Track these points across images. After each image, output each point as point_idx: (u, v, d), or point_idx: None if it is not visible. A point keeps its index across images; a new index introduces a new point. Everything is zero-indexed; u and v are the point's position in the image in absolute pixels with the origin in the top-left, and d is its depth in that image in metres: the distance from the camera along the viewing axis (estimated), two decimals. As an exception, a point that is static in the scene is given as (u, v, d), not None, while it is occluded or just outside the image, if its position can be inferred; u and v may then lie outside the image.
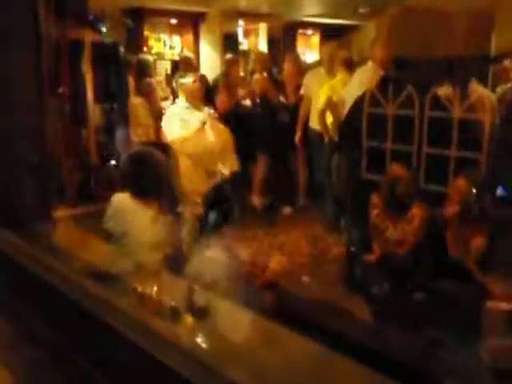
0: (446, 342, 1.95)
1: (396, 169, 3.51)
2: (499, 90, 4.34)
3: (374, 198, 3.57)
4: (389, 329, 2.16)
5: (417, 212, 3.37)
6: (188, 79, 4.77)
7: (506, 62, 4.37)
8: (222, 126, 4.06)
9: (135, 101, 5.54)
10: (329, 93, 5.21)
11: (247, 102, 5.85)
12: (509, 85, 4.50)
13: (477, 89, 3.93)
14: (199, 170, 3.52)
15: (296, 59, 6.27)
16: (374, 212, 3.56)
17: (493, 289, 3.03)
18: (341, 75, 5.34)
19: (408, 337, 2.05)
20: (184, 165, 3.58)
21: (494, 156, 3.66)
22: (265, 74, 5.99)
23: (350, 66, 5.33)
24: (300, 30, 8.78)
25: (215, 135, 4.15)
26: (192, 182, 3.32)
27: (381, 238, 3.53)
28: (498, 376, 1.46)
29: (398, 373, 1.31)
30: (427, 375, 1.34)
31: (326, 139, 5.32)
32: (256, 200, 5.88)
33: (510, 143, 3.81)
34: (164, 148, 2.77)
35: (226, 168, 3.72)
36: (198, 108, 4.59)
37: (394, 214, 3.46)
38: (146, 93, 5.58)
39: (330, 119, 5.25)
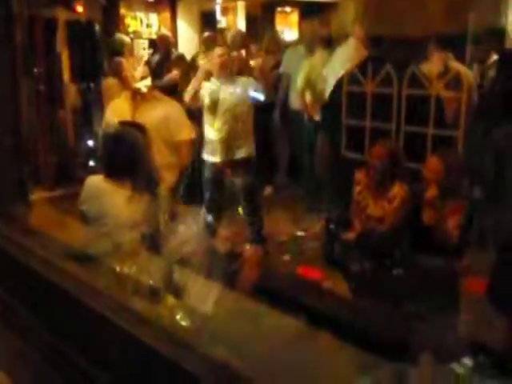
0: (425, 317, 1.99)
1: (380, 149, 3.52)
2: (476, 67, 4.36)
3: (358, 175, 3.59)
4: (368, 304, 2.20)
5: (398, 192, 3.40)
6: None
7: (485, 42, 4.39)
8: (167, 98, 3.84)
9: (109, 81, 5.47)
10: (308, 71, 5.20)
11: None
12: (488, 63, 4.53)
13: (454, 66, 3.96)
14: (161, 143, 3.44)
15: (275, 38, 6.25)
16: (357, 188, 3.59)
17: (470, 267, 3.09)
18: (320, 53, 5.32)
19: (387, 312, 2.09)
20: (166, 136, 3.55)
21: (470, 133, 3.70)
22: (242, 52, 5.96)
23: (329, 44, 5.32)
24: (279, 8, 8.69)
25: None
26: (161, 157, 3.24)
27: (362, 215, 3.57)
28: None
29: (375, 347, 1.33)
30: (406, 349, 1.37)
31: (306, 118, 5.32)
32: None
33: (488, 119, 3.86)
34: (139, 127, 2.74)
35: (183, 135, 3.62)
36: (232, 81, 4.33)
37: (377, 191, 3.50)
38: (117, 72, 5.51)
39: (309, 98, 5.25)
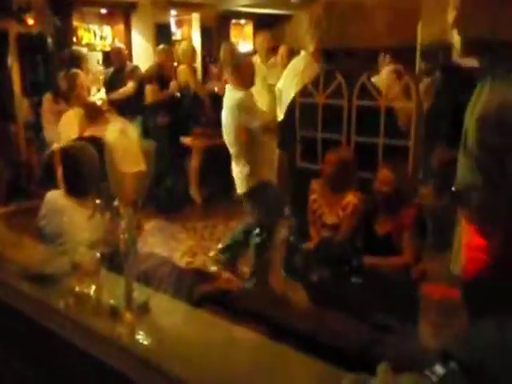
0: (385, 324, 2.04)
1: (333, 156, 3.60)
2: (425, 79, 4.51)
3: (313, 184, 3.67)
4: (329, 314, 2.23)
5: (351, 199, 3.49)
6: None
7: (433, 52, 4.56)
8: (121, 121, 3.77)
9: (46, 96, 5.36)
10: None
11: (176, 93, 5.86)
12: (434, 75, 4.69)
13: (404, 78, 4.08)
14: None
15: (232, 49, 6.31)
16: (312, 197, 3.67)
17: (427, 272, 3.20)
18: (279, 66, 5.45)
19: (348, 321, 2.13)
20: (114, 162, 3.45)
21: (421, 143, 3.82)
22: (190, 65, 6.05)
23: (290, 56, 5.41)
24: (233, 20, 8.78)
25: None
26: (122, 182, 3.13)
27: (317, 223, 3.64)
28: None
29: (338, 358, 1.36)
30: (368, 358, 1.40)
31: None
32: (194, 192, 5.89)
33: (435, 131, 4.00)
34: (97, 142, 2.72)
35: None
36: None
37: (331, 199, 3.57)
38: (72, 85, 5.43)
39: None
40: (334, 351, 1.53)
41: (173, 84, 5.85)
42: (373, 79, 4.01)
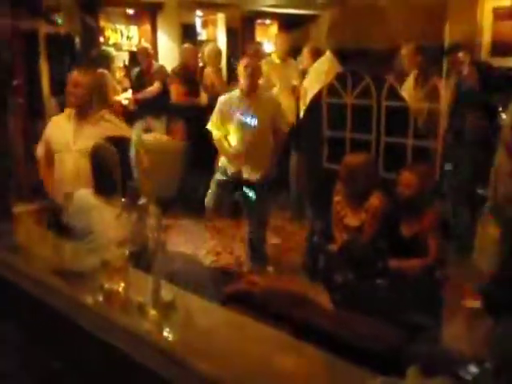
0: (412, 327, 2.02)
1: (351, 158, 3.59)
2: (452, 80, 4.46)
3: (338, 185, 3.66)
4: (354, 316, 2.22)
5: (374, 202, 3.46)
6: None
7: (460, 54, 4.50)
8: (117, 123, 3.48)
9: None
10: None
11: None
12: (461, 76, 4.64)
13: (432, 79, 4.05)
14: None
15: (258, 49, 6.34)
16: (336, 199, 3.65)
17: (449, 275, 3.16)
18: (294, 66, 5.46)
19: (373, 323, 2.12)
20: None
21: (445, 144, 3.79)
22: (216, 68, 6.06)
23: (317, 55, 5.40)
24: (258, 20, 8.78)
25: None
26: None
27: (340, 225, 3.62)
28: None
29: (365, 360, 1.35)
30: (396, 361, 1.39)
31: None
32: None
33: (458, 131, 3.96)
34: (123, 142, 2.74)
35: None
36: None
37: (354, 201, 3.55)
38: (100, 84, 5.50)
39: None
40: (359, 353, 1.53)
41: (203, 96, 5.84)
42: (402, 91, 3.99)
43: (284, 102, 5.10)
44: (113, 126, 3.29)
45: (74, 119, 3.29)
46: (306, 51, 5.58)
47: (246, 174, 4.21)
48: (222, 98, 4.31)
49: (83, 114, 3.28)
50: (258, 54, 6.13)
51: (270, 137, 4.23)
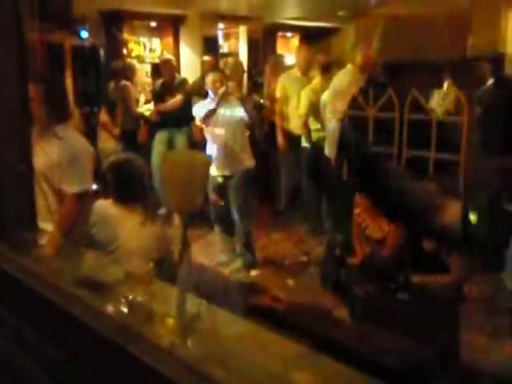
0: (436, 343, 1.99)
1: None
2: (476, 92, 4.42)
3: (357, 198, 3.65)
4: (375, 330, 2.20)
5: (397, 214, 3.43)
6: None
7: (484, 64, 4.47)
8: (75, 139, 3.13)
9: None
10: (311, 97, 5.27)
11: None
12: (485, 87, 4.60)
13: (454, 91, 4.02)
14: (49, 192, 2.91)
15: (279, 62, 6.36)
16: (356, 211, 3.63)
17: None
18: (318, 79, 5.41)
19: (393, 338, 2.09)
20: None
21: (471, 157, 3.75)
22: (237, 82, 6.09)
23: (327, 70, 5.40)
24: (280, 33, 8.83)
25: None
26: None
27: (361, 238, 3.60)
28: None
29: (385, 375, 1.33)
30: (418, 377, 1.37)
31: (307, 144, 5.38)
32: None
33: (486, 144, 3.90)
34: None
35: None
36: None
37: (375, 214, 3.53)
38: (123, 97, 5.58)
39: (314, 124, 5.33)
40: (381, 368, 1.51)
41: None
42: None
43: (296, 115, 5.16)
44: (63, 145, 2.92)
45: (35, 138, 2.73)
46: (316, 65, 5.56)
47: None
48: None
49: (40, 131, 2.93)
50: (278, 67, 6.15)
51: None
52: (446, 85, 4.35)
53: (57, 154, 2.86)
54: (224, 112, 4.64)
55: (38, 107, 2.91)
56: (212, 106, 4.64)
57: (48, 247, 2.24)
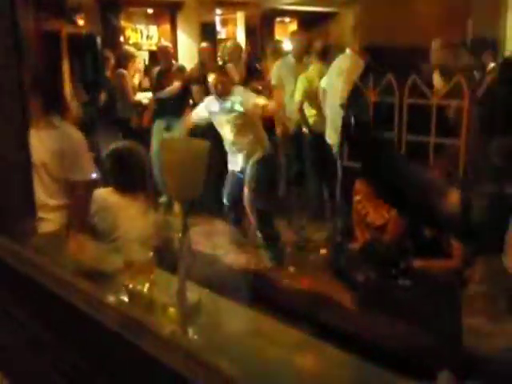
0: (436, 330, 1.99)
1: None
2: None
3: (357, 185, 3.64)
4: (377, 317, 2.20)
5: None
6: None
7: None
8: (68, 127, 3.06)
9: None
10: (306, 84, 5.23)
11: None
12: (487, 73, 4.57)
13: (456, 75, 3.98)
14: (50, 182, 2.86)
15: (277, 48, 6.31)
16: (356, 198, 3.62)
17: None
18: (315, 66, 5.37)
19: (395, 324, 2.09)
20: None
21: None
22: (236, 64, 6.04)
23: (325, 56, 5.35)
24: (278, 18, 8.76)
25: None
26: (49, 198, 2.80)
27: (362, 224, 3.59)
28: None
29: (387, 361, 1.33)
30: (418, 364, 1.37)
31: (306, 130, 5.36)
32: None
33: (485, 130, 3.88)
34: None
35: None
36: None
37: (375, 200, 3.52)
38: (120, 84, 5.55)
39: (309, 111, 5.30)
40: (383, 354, 1.51)
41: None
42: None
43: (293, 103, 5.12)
44: (60, 134, 2.87)
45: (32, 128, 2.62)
46: (313, 50, 5.51)
47: None
48: None
49: (36, 121, 2.85)
50: (276, 53, 6.11)
51: None
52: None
53: (57, 143, 2.79)
54: (226, 114, 4.51)
55: (34, 97, 2.82)
56: (215, 106, 4.55)
57: (77, 251, 2.18)
